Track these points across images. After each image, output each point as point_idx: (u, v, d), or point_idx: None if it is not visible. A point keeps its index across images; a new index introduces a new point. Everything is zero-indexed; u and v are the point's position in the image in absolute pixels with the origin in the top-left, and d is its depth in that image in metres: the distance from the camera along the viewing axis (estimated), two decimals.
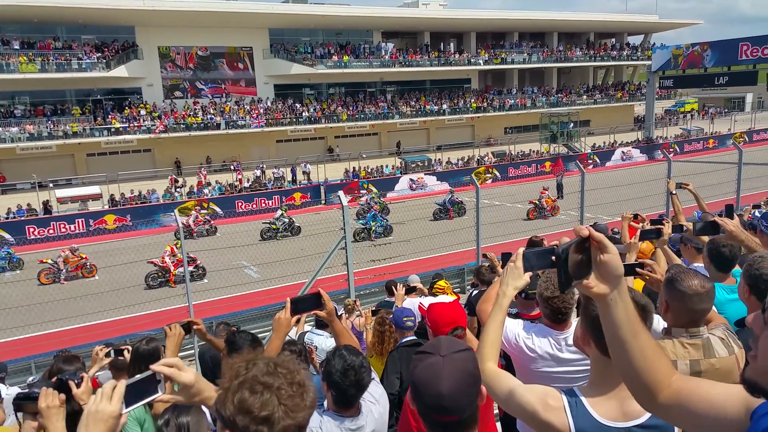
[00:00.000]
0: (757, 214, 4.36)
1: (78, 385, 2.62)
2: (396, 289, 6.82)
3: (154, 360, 3.82)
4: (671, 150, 36.16)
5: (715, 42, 39.12)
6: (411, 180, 32.88)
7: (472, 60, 49.84)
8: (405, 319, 4.49)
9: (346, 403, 2.74)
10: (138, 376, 1.71)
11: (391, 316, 4.89)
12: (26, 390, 2.70)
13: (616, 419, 1.87)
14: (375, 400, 2.83)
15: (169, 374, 1.73)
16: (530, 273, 2.21)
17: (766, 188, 14.20)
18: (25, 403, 2.48)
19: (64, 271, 18.73)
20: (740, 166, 13.99)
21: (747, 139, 42.07)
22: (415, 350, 1.86)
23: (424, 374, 1.73)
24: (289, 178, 35.34)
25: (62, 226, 25.33)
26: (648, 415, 1.88)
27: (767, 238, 4.14)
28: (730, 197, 13.92)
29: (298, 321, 5.42)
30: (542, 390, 2.02)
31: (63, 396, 2.37)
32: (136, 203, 28.99)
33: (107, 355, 4.16)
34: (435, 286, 6.25)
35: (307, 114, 42.86)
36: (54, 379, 2.76)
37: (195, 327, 3.69)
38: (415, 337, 4.55)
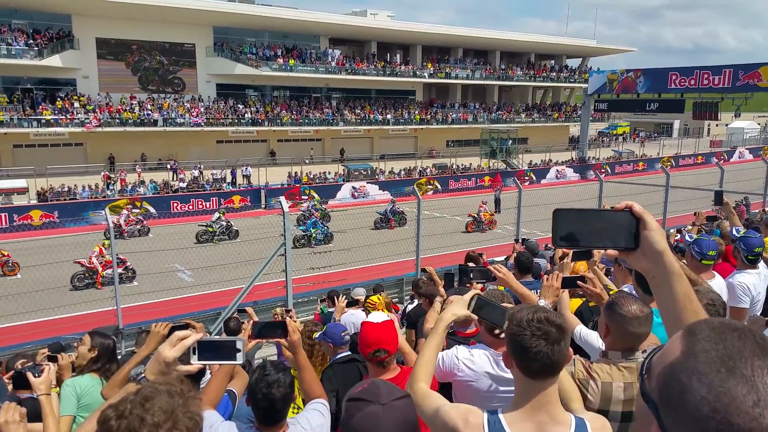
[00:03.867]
0: (687, 238, 4.61)
1: (37, 376, 2.83)
2: (338, 300, 6.71)
3: (110, 355, 3.94)
4: (603, 171, 37.68)
5: (648, 69, 41.09)
6: (353, 188, 32.87)
7: (417, 72, 50.50)
8: (343, 334, 4.39)
9: (260, 418, 2.68)
10: (217, 338, 1.83)
11: (321, 331, 4.73)
12: None
13: None
14: (309, 427, 2.73)
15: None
16: (470, 308, 2.35)
17: (688, 212, 15.00)
18: None
19: None
20: (667, 189, 14.71)
21: (674, 164, 44.33)
22: (350, 394, 1.80)
23: (362, 424, 1.69)
24: (229, 180, 34.69)
25: None
26: None
27: (696, 263, 4.36)
28: (657, 218, 14.59)
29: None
30: (466, 408, 2.06)
31: (23, 410, 2.36)
32: (65, 199, 27.72)
33: (43, 359, 4.03)
34: (368, 301, 6.01)
35: (249, 115, 42.24)
36: (11, 373, 2.74)
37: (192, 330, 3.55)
38: (349, 353, 4.44)
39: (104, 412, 1.41)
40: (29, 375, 2.84)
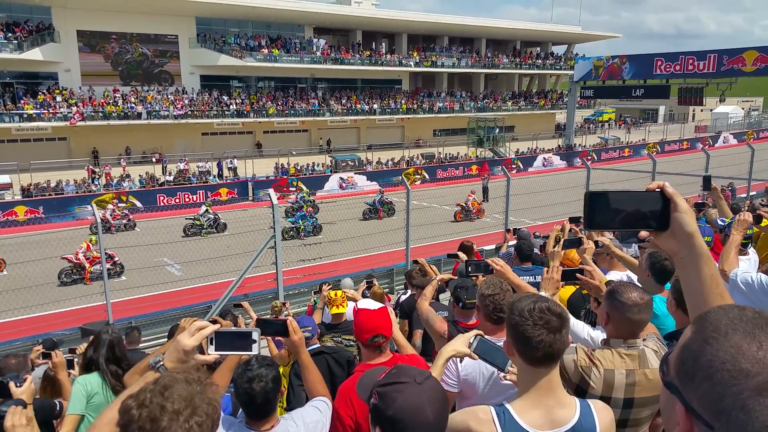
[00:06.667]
0: None
1: (19, 386, 2.92)
2: (323, 289, 6.72)
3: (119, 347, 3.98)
4: (589, 158, 37.85)
5: (633, 56, 41.24)
6: (341, 179, 32.79)
7: (403, 61, 50.29)
8: (302, 329, 4.42)
9: (245, 413, 2.70)
10: (234, 329, 1.90)
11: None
12: None
13: (542, 427, 1.94)
14: (302, 423, 2.71)
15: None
16: (472, 348, 2.35)
17: None
18: None
19: None
20: (654, 176, 14.79)
21: (659, 149, 44.62)
22: (378, 382, 1.77)
23: (409, 404, 1.65)
24: (215, 172, 34.44)
25: None
26: (574, 421, 1.96)
27: None
28: None
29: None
30: (470, 408, 2.09)
31: (30, 414, 2.37)
32: (50, 194, 27.42)
33: (38, 357, 4.07)
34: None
35: (234, 107, 41.89)
36: None
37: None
38: (318, 345, 4.53)
39: (125, 402, 1.45)
40: (11, 385, 2.92)
